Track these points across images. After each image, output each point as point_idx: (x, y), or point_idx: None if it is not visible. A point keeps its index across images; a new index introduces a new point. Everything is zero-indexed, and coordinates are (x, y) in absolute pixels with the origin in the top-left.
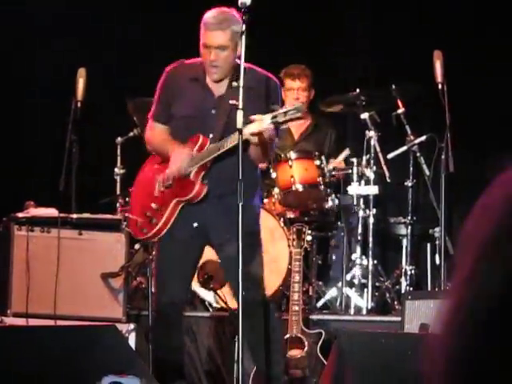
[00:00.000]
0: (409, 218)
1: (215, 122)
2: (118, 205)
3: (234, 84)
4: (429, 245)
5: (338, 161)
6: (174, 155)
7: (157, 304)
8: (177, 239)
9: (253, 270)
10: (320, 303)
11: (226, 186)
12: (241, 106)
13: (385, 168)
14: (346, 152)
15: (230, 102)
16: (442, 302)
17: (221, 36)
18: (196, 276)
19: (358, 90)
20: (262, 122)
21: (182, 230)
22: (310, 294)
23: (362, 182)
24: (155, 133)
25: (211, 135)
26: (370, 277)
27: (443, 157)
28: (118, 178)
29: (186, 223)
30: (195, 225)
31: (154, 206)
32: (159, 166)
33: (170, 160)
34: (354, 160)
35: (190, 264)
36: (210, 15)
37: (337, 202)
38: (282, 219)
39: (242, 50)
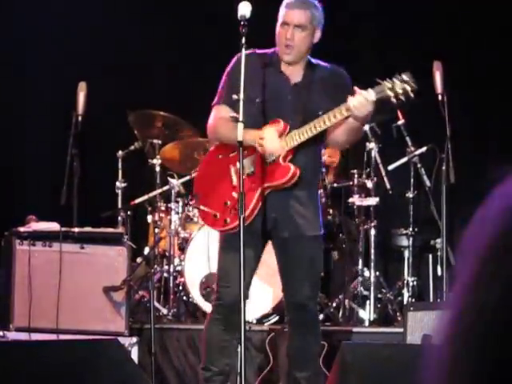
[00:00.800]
0: (410, 229)
1: (291, 108)
2: (119, 218)
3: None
4: (430, 256)
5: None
6: (267, 135)
7: (218, 298)
8: (250, 230)
9: (314, 279)
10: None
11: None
12: (241, 119)
13: (386, 179)
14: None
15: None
16: (441, 312)
17: (301, 15)
18: (198, 289)
19: None
20: (368, 95)
21: (258, 221)
22: None
23: (363, 193)
24: (222, 117)
25: (290, 121)
26: (372, 288)
27: (444, 168)
28: (119, 192)
29: (263, 214)
30: (273, 215)
31: (235, 195)
32: (225, 156)
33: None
34: (355, 171)
35: (255, 260)
36: None
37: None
38: None
39: (242, 72)
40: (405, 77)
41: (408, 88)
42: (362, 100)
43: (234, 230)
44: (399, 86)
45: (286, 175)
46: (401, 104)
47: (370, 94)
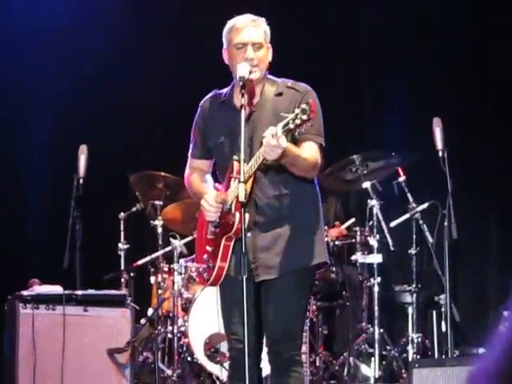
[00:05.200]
0: (413, 285)
1: (246, 143)
2: (122, 280)
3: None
4: (434, 312)
5: (343, 227)
6: (202, 202)
7: (229, 354)
8: (234, 279)
9: (292, 321)
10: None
11: (270, 212)
12: (242, 158)
13: (388, 236)
14: (351, 221)
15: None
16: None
17: (255, 33)
18: (202, 349)
19: (358, 160)
20: (270, 138)
21: (237, 268)
22: (317, 364)
23: (366, 250)
24: (192, 175)
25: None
26: (376, 345)
27: (446, 224)
28: (121, 254)
29: (239, 260)
30: (253, 260)
31: (209, 248)
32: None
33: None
34: (357, 229)
35: (252, 307)
36: (238, 18)
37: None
38: None
39: (242, 130)
40: (303, 105)
41: (304, 117)
42: (267, 142)
43: (215, 284)
44: (298, 120)
45: (233, 225)
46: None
47: (276, 133)
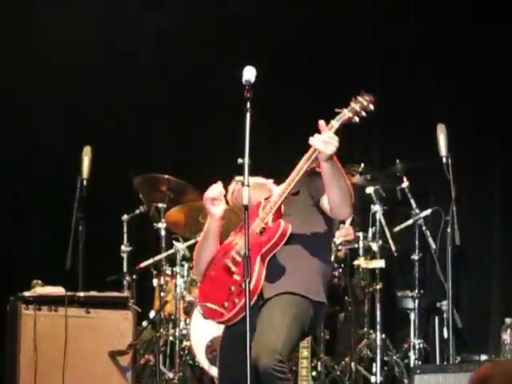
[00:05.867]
0: (416, 291)
1: None
2: (124, 282)
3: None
4: (437, 318)
5: (346, 226)
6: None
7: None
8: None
9: (272, 336)
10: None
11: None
12: (246, 183)
13: (391, 242)
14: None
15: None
16: None
17: None
18: (204, 352)
19: (362, 166)
20: (330, 130)
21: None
22: (319, 369)
23: (369, 256)
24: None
25: None
26: (378, 351)
27: (449, 230)
28: (124, 256)
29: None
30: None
31: (237, 277)
32: (218, 256)
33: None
34: (360, 234)
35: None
36: None
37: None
38: None
39: (247, 136)
40: (360, 97)
41: (365, 103)
42: (324, 137)
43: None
44: (357, 105)
45: (276, 233)
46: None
47: (332, 125)
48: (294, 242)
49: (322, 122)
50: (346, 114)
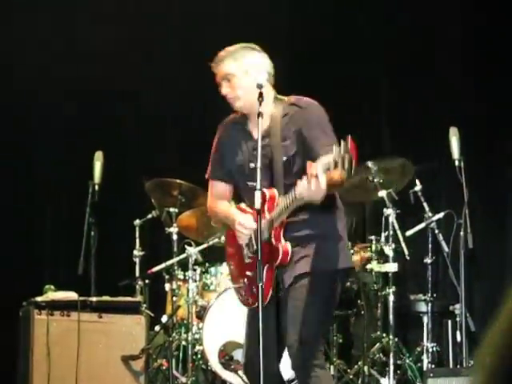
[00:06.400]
0: (429, 294)
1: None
2: (137, 287)
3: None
4: (450, 322)
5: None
6: (237, 227)
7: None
8: (270, 305)
9: (306, 326)
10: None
11: (306, 240)
12: (258, 186)
13: (404, 245)
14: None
15: (251, 165)
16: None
17: (221, 68)
18: (217, 357)
19: (375, 169)
20: (319, 180)
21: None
22: (332, 373)
23: (381, 259)
24: (214, 203)
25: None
26: (391, 355)
27: (462, 233)
28: (136, 260)
29: (278, 286)
30: (286, 286)
31: (249, 273)
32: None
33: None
34: (373, 238)
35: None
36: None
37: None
38: None
39: (259, 140)
40: (344, 148)
41: (347, 160)
42: (310, 188)
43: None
44: (340, 159)
45: (278, 256)
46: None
47: (317, 174)
48: (299, 213)
49: (309, 172)
50: (330, 164)
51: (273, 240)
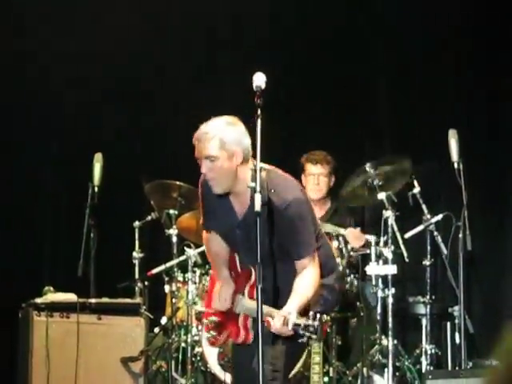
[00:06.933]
0: (428, 297)
1: (242, 245)
2: (136, 289)
3: (251, 185)
4: (448, 324)
5: (355, 231)
6: (219, 294)
7: None
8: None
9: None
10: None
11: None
12: (258, 189)
13: (403, 247)
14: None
15: (248, 185)
16: None
17: (206, 146)
18: (216, 359)
19: (374, 171)
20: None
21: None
22: (331, 374)
23: (381, 261)
24: (208, 247)
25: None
26: (390, 356)
27: (461, 235)
28: (136, 262)
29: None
30: None
31: (214, 319)
32: None
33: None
34: (372, 240)
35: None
36: (200, 128)
37: (356, 282)
38: None
39: (258, 142)
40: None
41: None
42: (279, 326)
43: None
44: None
45: (239, 337)
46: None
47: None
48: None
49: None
50: (299, 329)
51: (240, 320)
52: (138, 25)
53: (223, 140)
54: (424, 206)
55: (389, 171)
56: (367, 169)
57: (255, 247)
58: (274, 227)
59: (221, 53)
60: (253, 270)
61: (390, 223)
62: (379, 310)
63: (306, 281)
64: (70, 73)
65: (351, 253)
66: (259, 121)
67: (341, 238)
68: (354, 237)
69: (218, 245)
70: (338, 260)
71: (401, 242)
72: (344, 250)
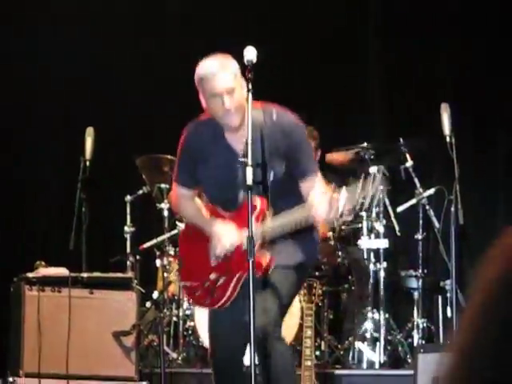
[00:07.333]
0: (420, 270)
1: (242, 182)
2: (128, 263)
3: (242, 159)
4: (440, 297)
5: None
6: (220, 231)
7: (213, 362)
8: (235, 307)
9: (275, 304)
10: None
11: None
12: (250, 163)
13: (394, 221)
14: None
15: (240, 159)
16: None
17: (227, 78)
18: (208, 333)
19: (366, 144)
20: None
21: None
22: (323, 348)
23: (372, 235)
24: (184, 202)
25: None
26: (381, 330)
27: (453, 209)
28: (127, 237)
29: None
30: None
31: (212, 276)
32: (202, 233)
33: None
34: (364, 214)
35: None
36: (205, 66)
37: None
38: None
39: (248, 115)
40: (376, 179)
41: (376, 193)
42: (329, 212)
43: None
44: (370, 189)
45: (260, 268)
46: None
47: (340, 201)
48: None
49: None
50: (355, 195)
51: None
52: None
53: (234, 72)
54: (416, 180)
55: (380, 147)
56: (363, 148)
57: (259, 180)
58: (281, 150)
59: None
60: (258, 199)
61: (381, 197)
62: (371, 283)
63: (322, 188)
64: (63, 47)
65: (342, 226)
66: (250, 95)
67: None
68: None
69: (189, 199)
70: (330, 234)
71: (393, 215)
72: (335, 223)
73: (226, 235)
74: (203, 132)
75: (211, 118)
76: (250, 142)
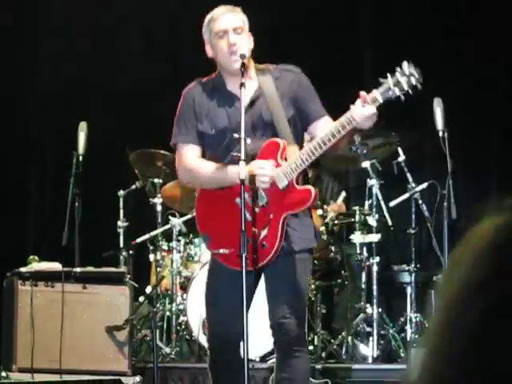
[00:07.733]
0: (412, 265)
1: (250, 130)
2: (121, 258)
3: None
4: (433, 292)
5: (338, 203)
6: (258, 168)
7: (211, 345)
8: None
9: (299, 295)
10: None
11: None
12: (243, 157)
13: (387, 216)
14: (343, 194)
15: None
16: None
17: (235, 18)
18: (202, 327)
19: (359, 139)
20: (372, 106)
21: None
22: (316, 343)
23: (365, 230)
24: (195, 161)
25: (251, 142)
26: (374, 325)
27: (445, 204)
28: (120, 231)
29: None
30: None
31: (255, 230)
32: (226, 190)
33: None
34: (357, 208)
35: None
36: (215, 10)
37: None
38: None
39: (242, 109)
40: (407, 69)
41: (413, 80)
42: (366, 112)
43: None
44: (404, 80)
45: (308, 200)
46: (406, 95)
47: (377, 98)
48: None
49: (364, 94)
50: (391, 88)
51: (295, 184)
52: None
53: (243, 18)
54: (409, 175)
55: (373, 142)
56: (355, 140)
57: (267, 125)
58: (292, 95)
59: None
60: (278, 139)
61: (374, 191)
62: (364, 278)
63: None
64: (56, 41)
65: (335, 221)
66: (243, 89)
67: (325, 206)
68: (337, 209)
69: (200, 156)
70: (322, 228)
71: (385, 210)
72: (328, 218)
73: (266, 166)
74: (203, 86)
75: (212, 76)
76: (243, 133)
